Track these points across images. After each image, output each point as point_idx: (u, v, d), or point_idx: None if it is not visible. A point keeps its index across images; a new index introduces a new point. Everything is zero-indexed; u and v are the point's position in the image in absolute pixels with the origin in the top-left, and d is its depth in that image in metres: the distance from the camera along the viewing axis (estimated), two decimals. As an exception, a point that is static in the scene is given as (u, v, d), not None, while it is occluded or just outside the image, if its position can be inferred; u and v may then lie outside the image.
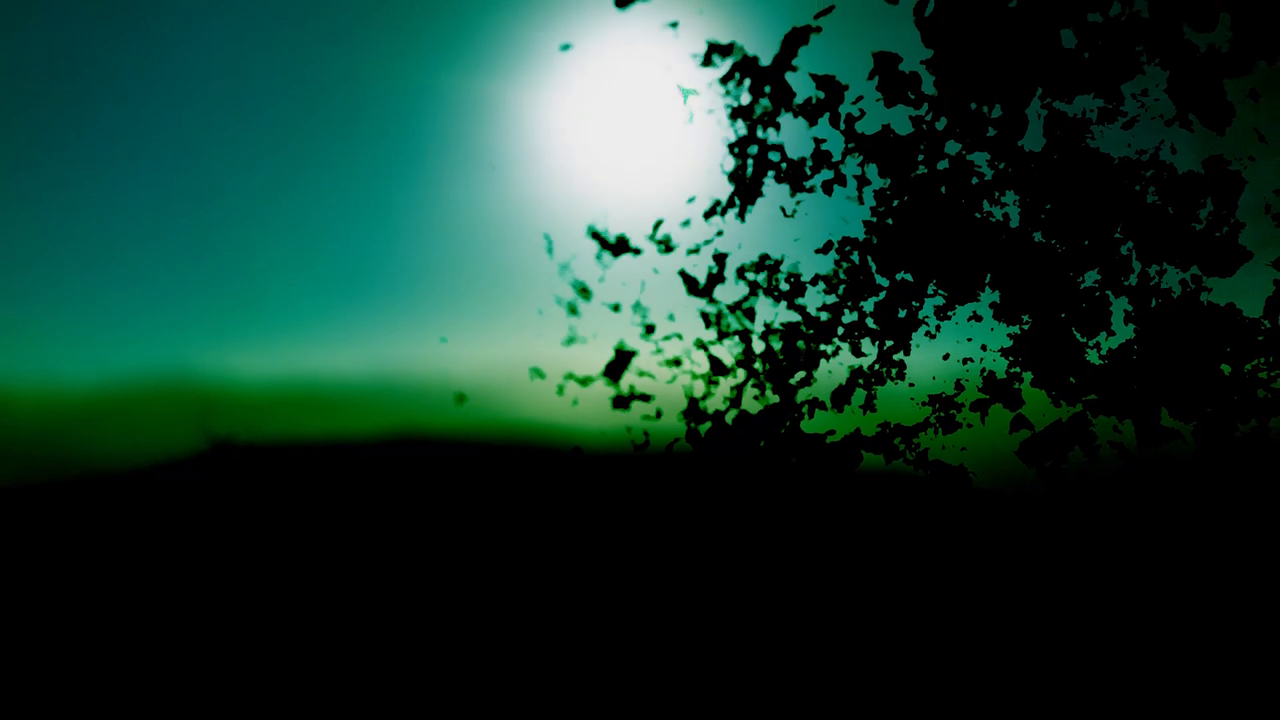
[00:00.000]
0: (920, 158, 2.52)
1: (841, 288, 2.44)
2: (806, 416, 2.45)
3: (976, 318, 2.57)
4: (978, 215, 2.53)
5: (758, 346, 2.43)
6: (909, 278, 2.52)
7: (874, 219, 2.47)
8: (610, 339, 2.44)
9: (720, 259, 2.46)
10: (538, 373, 2.56)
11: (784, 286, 2.42)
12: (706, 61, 2.43)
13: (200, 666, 2.15)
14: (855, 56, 2.51)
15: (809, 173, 2.45)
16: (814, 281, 2.44)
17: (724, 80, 2.43)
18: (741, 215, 2.42)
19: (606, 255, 2.42)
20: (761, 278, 2.43)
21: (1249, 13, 2.47)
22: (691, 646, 2.28)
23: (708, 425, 2.43)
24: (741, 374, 2.43)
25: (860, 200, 2.46)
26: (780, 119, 2.43)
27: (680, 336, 2.43)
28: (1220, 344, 2.44)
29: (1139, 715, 2.22)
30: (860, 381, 2.48)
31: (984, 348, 2.57)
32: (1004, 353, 2.54)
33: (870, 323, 2.48)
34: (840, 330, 2.45)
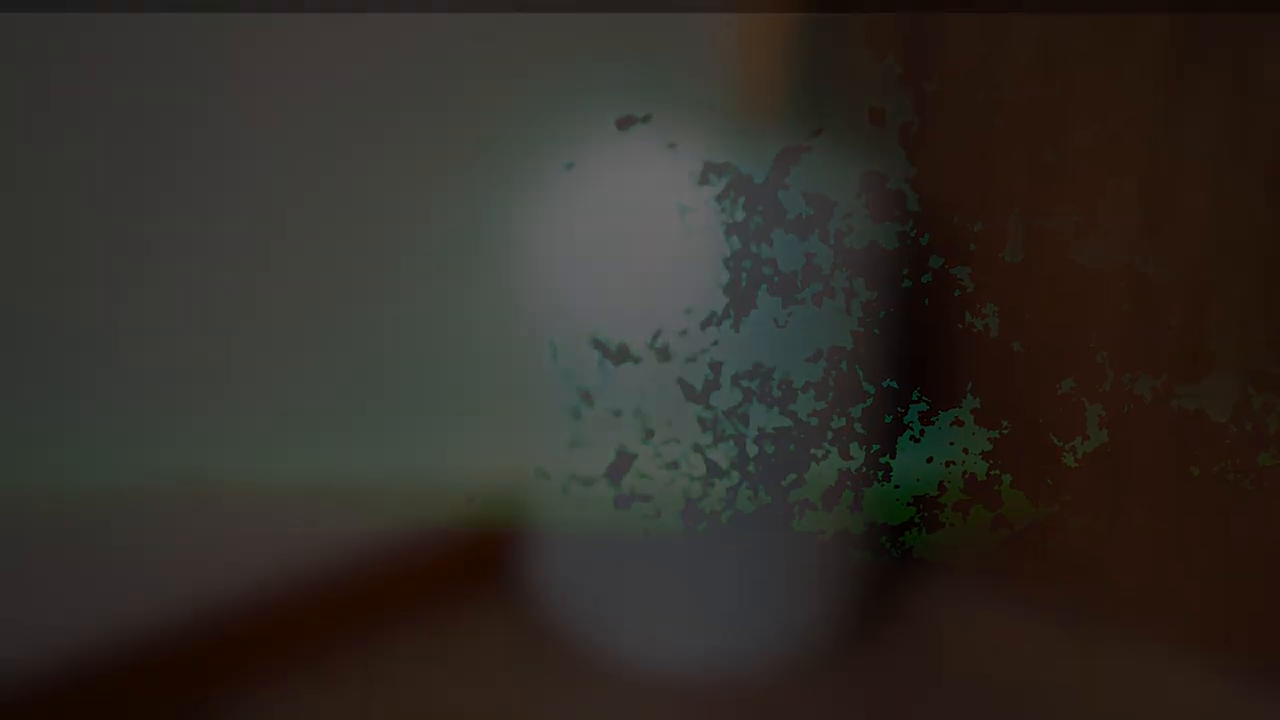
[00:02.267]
0: (905, 271, 2.65)
1: (831, 394, 2.56)
2: (798, 516, 2.57)
3: (959, 423, 2.68)
4: (960, 325, 2.65)
5: (752, 450, 2.54)
6: (895, 385, 2.65)
7: (861, 329, 2.59)
8: (611, 442, 2.55)
9: (716, 367, 2.57)
10: (543, 474, 2.68)
11: (776, 393, 2.53)
12: (703, 180, 2.55)
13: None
14: (844, 175, 2.64)
15: (800, 285, 2.57)
16: (805, 388, 2.55)
17: (720, 198, 2.55)
18: (736, 326, 2.53)
19: (608, 363, 2.53)
20: (755, 384, 2.54)
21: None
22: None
23: (704, 525, 2.55)
24: (736, 476, 2.54)
25: (849, 311, 2.58)
26: (773, 235, 2.55)
27: (678, 440, 2.53)
28: (1189, 447, 2.56)
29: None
30: (848, 483, 2.60)
31: (965, 451, 2.69)
32: (985, 456, 2.65)
33: (858, 427, 2.61)
34: (830, 434, 2.57)
